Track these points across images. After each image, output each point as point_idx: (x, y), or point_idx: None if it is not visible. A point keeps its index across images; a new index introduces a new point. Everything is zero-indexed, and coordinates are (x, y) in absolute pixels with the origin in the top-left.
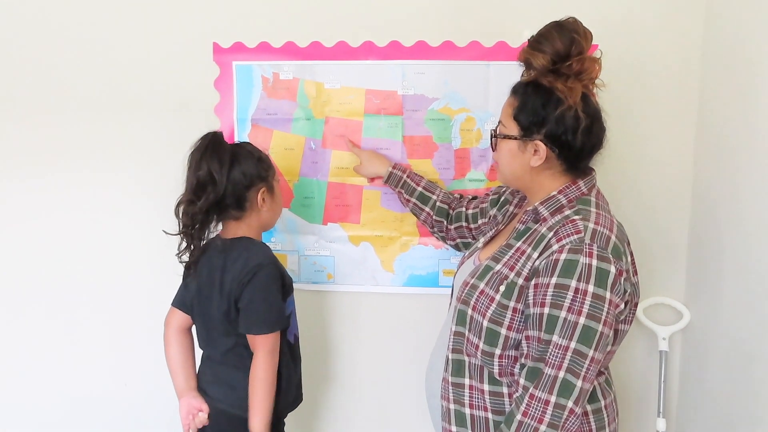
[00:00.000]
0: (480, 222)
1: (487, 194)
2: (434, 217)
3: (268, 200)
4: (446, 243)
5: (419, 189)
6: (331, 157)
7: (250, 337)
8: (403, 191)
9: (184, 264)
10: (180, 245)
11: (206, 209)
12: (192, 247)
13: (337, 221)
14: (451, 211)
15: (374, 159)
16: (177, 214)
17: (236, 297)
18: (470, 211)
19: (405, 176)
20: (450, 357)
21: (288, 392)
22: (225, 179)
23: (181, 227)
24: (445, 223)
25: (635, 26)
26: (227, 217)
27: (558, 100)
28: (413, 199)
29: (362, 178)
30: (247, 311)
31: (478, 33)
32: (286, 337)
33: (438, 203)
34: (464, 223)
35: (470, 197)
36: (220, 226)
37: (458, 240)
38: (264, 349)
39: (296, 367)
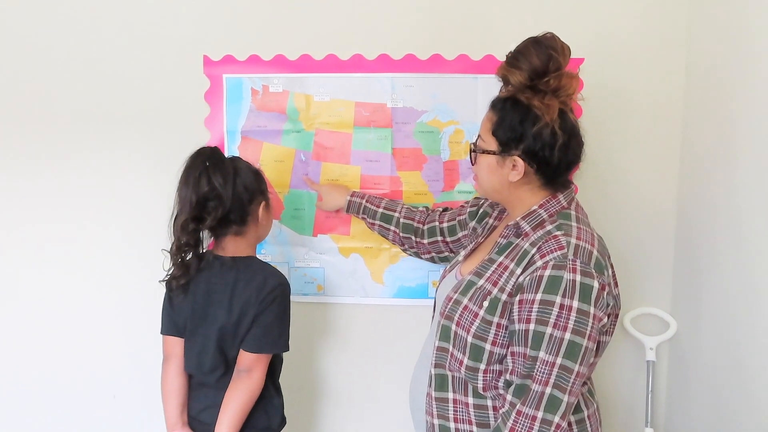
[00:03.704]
0: (460, 234)
1: (463, 206)
2: (401, 234)
3: (266, 213)
4: (421, 258)
5: (380, 210)
6: (321, 169)
7: (250, 355)
8: (366, 216)
9: (177, 285)
10: (170, 265)
11: (213, 226)
12: (188, 266)
13: (327, 233)
14: (419, 226)
15: (333, 192)
16: (174, 232)
17: (256, 313)
18: (445, 225)
19: (364, 201)
20: (433, 372)
21: (281, 411)
22: (230, 194)
23: (179, 245)
24: (414, 238)
25: (619, 39)
26: (228, 232)
27: (535, 117)
28: (377, 222)
29: (353, 190)
30: (266, 330)
31: (466, 46)
32: (281, 355)
33: (402, 220)
34: (440, 237)
35: (441, 210)
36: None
37: (433, 254)
38: (263, 367)
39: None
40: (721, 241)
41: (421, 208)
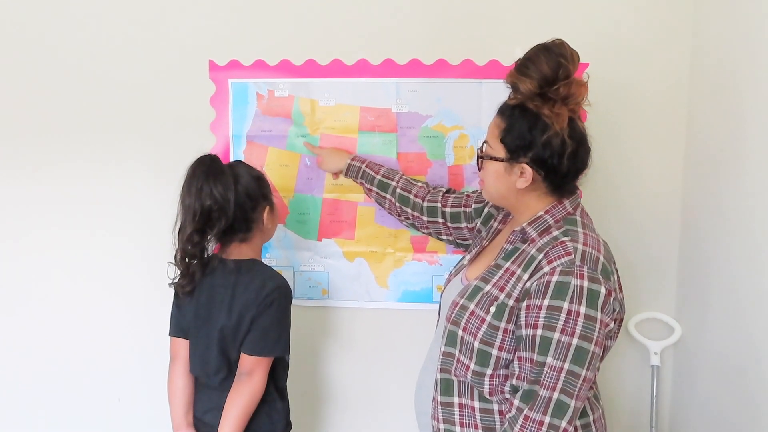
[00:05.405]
0: (463, 224)
1: (469, 195)
2: (397, 204)
3: (271, 217)
4: (418, 230)
5: (378, 177)
6: (326, 174)
7: (249, 358)
8: (363, 181)
9: (182, 291)
10: (176, 273)
11: (218, 237)
12: (193, 273)
13: (331, 237)
14: (416, 200)
15: (334, 154)
16: (179, 242)
17: (254, 315)
18: (448, 210)
19: (364, 166)
20: (438, 377)
21: (285, 415)
22: (233, 204)
23: (185, 255)
24: (410, 211)
25: (625, 45)
26: (233, 239)
27: (545, 125)
28: (374, 188)
29: (357, 194)
30: (263, 333)
31: (471, 51)
32: (285, 359)
33: (398, 190)
34: (441, 220)
35: (443, 190)
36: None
37: (431, 231)
38: (263, 370)
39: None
40: (726, 245)
41: (420, 183)
